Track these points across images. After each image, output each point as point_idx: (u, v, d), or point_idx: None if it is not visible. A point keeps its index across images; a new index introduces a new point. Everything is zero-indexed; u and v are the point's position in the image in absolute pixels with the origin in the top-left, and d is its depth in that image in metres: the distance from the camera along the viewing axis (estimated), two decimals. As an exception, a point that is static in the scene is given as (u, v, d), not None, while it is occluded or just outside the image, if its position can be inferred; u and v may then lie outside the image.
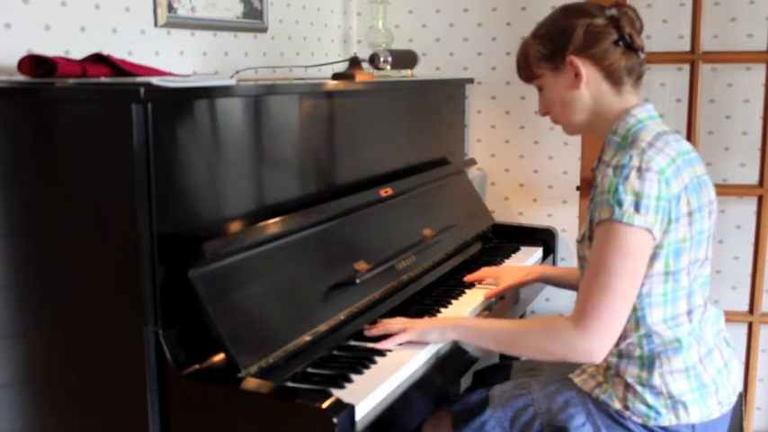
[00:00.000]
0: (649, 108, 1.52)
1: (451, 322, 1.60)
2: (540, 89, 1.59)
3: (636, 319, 1.46)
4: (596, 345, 1.38)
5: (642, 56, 1.53)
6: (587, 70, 1.50)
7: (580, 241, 1.55)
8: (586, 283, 1.40)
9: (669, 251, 1.42)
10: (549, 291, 2.60)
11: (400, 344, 1.56)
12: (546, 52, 1.53)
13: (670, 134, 1.49)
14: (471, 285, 2.01)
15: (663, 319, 1.46)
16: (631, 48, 1.49)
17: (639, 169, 1.38)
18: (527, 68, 1.58)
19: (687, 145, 1.52)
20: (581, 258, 1.55)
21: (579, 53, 1.49)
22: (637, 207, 1.36)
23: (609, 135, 1.52)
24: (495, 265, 2.22)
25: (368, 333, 1.61)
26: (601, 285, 1.38)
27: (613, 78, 1.50)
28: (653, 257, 1.42)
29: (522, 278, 1.94)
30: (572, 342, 1.39)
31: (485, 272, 2.02)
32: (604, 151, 1.54)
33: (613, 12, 1.49)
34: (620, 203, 1.37)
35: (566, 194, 2.71)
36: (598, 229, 1.41)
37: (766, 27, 2.42)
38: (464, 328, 1.56)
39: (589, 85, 1.51)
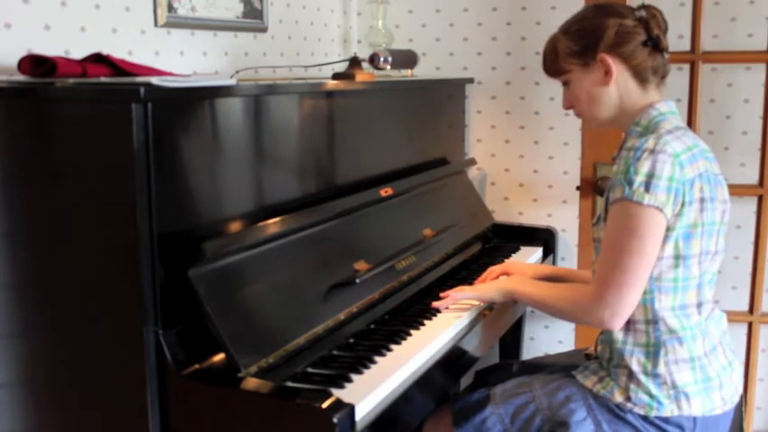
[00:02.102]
0: (671, 104, 1.58)
1: (511, 287, 1.73)
2: (566, 84, 1.63)
3: (644, 302, 1.49)
4: (608, 313, 1.47)
5: (667, 56, 1.59)
6: (617, 68, 1.55)
7: (595, 224, 1.60)
8: (601, 258, 1.49)
9: (679, 234, 1.45)
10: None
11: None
12: (577, 48, 1.57)
13: (689, 132, 1.55)
14: (471, 285, 2.01)
15: (671, 307, 1.49)
16: (658, 48, 1.56)
17: (653, 151, 1.43)
18: (555, 63, 1.62)
19: (705, 145, 1.57)
20: (595, 240, 1.61)
21: (610, 51, 1.54)
22: (647, 187, 1.41)
23: (632, 126, 1.57)
24: (494, 265, 2.22)
25: (436, 304, 1.77)
26: (610, 261, 1.46)
27: (640, 77, 1.56)
28: (664, 239, 1.45)
29: (533, 276, 1.92)
30: (588, 310, 1.50)
31: (493, 270, 1.99)
32: (626, 140, 1.59)
33: (643, 13, 1.56)
34: (630, 183, 1.42)
35: (566, 194, 2.71)
36: (611, 208, 1.47)
37: (766, 27, 2.42)
38: (520, 294, 1.70)
39: (617, 83, 1.56)
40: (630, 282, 1.44)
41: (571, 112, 1.66)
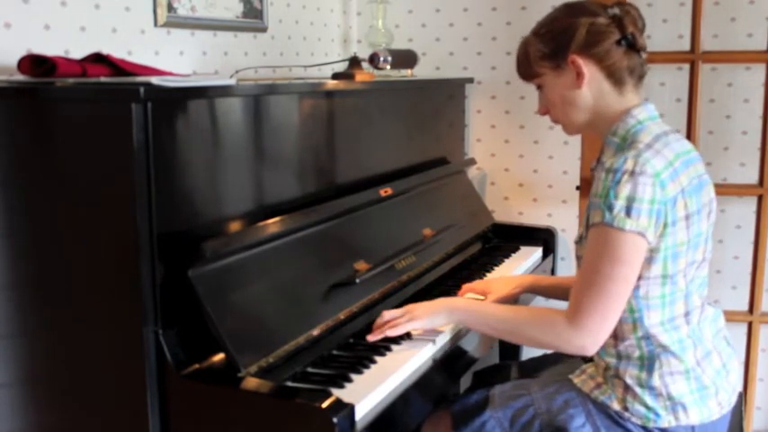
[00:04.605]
0: (650, 108, 1.51)
1: (454, 307, 1.61)
2: (540, 88, 1.58)
3: (633, 320, 1.46)
4: (589, 341, 1.41)
5: (644, 56, 1.52)
6: (589, 70, 1.49)
7: (578, 242, 1.55)
8: (579, 283, 1.42)
9: (667, 254, 1.42)
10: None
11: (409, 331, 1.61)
12: (547, 51, 1.52)
13: (670, 134, 1.49)
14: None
15: (660, 322, 1.46)
16: (633, 47, 1.49)
17: (632, 173, 1.37)
18: (527, 67, 1.56)
19: (687, 144, 1.51)
20: (578, 258, 1.56)
21: (581, 52, 1.48)
22: (628, 211, 1.36)
23: (608, 136, 1.52)
24: (494, 264, 2.22)
25: (371, 339, 1.58)
26: (593, 287, 1.39)
27: (615, 78, 1.49)
28: (650, 261, 1.42)
29: (511, 291, 1.86)
30: (566, 337, 1.42)
31: (468, 287, 1.92)
32: (603, 152, 1.54)
33: (616, 11, 1.49)
34: (610, 207, 1.37)
35: (566, 194, 2.71)
36: (590, 231, 1.42)
37: (766, 27, 2.42)
38: (467, 315, 1.59)
39: (590, 85, 1.50)
40: (612, 308, 1.39)
41: None
